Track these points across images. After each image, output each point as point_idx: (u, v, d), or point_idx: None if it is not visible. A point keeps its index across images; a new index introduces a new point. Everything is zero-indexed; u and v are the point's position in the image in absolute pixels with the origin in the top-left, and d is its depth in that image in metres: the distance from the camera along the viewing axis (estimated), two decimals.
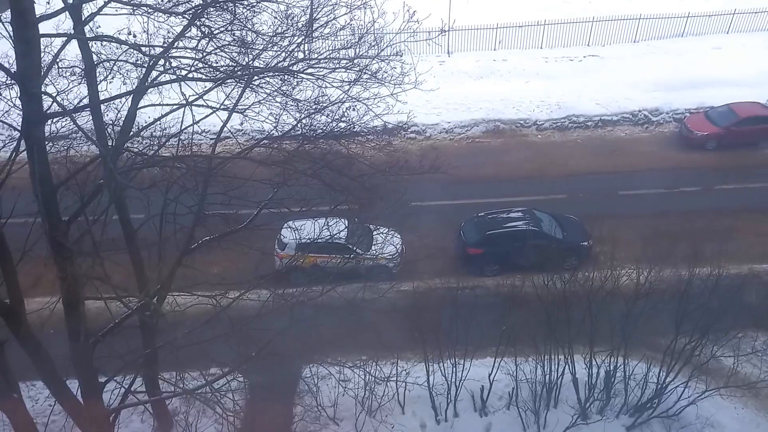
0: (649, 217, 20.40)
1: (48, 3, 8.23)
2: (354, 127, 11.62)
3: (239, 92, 10.57)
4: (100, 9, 8.51)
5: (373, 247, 18.35)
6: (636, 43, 29.27)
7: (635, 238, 18.27)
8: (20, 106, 8.53)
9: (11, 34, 7.93)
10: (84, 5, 8.52)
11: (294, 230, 16.56)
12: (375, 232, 18.85)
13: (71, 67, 9.64)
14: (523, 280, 15.03)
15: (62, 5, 8.25)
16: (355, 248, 17.76)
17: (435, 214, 20.01)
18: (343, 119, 11.39)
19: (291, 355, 13.28)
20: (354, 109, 11.33)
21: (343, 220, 16.24)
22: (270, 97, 10.36)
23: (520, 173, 22.68)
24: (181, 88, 9.60)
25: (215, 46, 9.31)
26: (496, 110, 25.59)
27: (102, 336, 11.43)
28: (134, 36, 9.00)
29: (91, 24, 8.88)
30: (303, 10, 9.78)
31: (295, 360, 14.22)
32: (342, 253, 16.89)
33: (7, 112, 9.91)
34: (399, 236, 18.96)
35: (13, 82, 8.65)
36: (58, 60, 9.03)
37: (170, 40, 9.19)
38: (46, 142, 9.19)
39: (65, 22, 8.51)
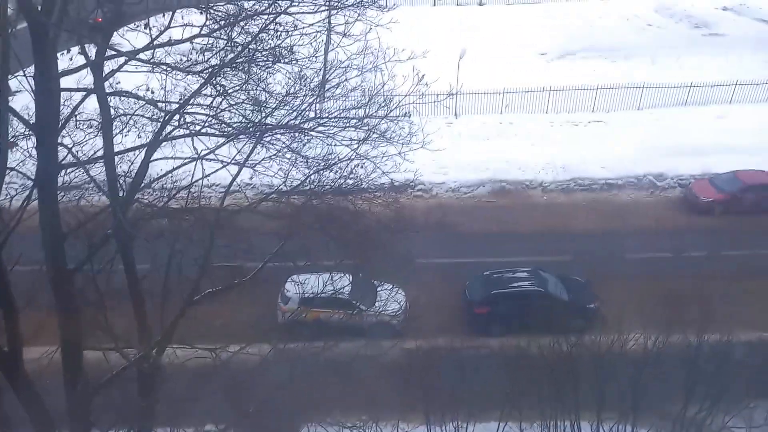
0: (656, 280, 20.21)
1: (71, 59, 8.59)
2: (361, 184, 11.81)
3: (250, 148, 10.83)
4: (121, 66, 8.87)
5: (376, 304, 18.22)
6: (640, 110, 29.89)
7: (643, 302, 18.07)
8: (35, 156, 8.74)
9: (33, 86, 8.24)
10: (105, 62, 8.88)
11: (298, 284, 16.52)
12: (379, 288, 18.76)
13: (88, 120, 9.95)
14: (528, 341, 14.81)
15: (84, 61, 8.60)
16: (358, 304, 17.64)
17: (440, 271, 19.94)
18: (351, 176, 11.60)
19: (289, 412, 12.99)
20: (362, 167, 11.56)
21: (347, 275, 16.22)
22: (280, 154, 10.61)
23: (526, 233, 22.71)
24: (193, 143, 9.85)
25: (229, 104, 9.61)
26: (502, 171, 25.91)
27: (99, 387, 11.26)
28: (152, 92, 9.34)
29: (110, 80, 9.23)
30: (316, 72, 10.15)
31: (293, 418, 13.89)
32: (345, 309, 16.79)
33: (22, 162, 10.15)
34: (403, 293, 18.85)
35: (30, 132, 8.91)
36: (76, 113, 9.33)
37: (186, 97, 9.50)
38: (59, 192, 9.36)
39: (86, 77, 8.85)
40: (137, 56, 8.44)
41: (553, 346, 13.88)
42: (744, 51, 34.62)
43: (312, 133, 10.26)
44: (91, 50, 8.72)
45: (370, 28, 9.66)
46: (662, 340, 13.73)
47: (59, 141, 8.75)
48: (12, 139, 9.22)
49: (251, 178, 11.86)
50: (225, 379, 12.20)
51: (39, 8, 7.64)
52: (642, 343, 14.14)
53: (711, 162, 25.94)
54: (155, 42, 8.70)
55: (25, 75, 8.43)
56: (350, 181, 11.66)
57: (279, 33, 9.02)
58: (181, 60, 9.04)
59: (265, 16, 8.96)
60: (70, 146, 9.51)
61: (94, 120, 9.80)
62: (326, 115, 10.37)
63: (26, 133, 9.27)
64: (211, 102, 9.66)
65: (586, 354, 13.71)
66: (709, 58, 33.87)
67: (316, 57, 9.85)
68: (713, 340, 13.93)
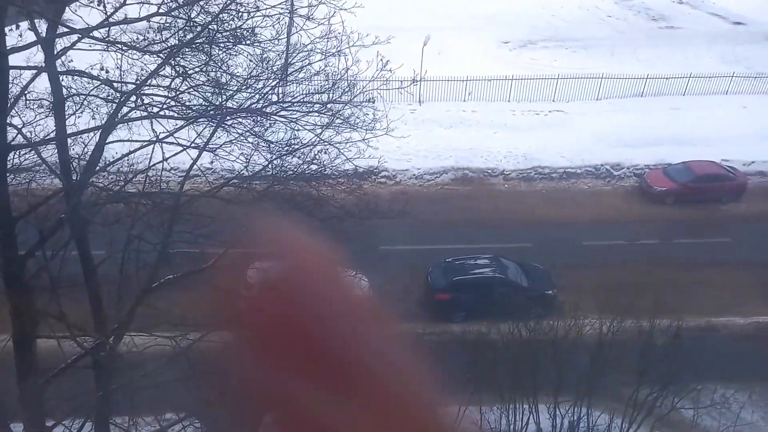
0: (611, 267, 20.81)
1: (20, 36, 8.19)
2: (325, 170, 11.71)
3: (211, 131, 10.59)
4: (74, 44, 8.51)
5: None
6: (599, 100, 30.52)
7: (598, 288, 18.60)
8: None
9: None
10: (57, 39, 8.51)
11: (261, 271, 16.35)
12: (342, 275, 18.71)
13: (39, 99, 9.54)
14: (489, 327, 15.07)
15: (35, 38, 8.23)
16: None
17: (403, 258, 20.03)
18: (314, 162, 11.48)
19: (252, 401, 12.89)
20: (326, 152, 11.45)
21: None
22: (242, 138, 10.41)
23: (488, 221, 23.02)
24: (152, 125, 9.56)
25: (189, 86, 9.36)
26: (465, 159, 26.13)
27: (53, 376, 10.93)
28: (107, 72, 9.00)
29: (63, 58, 8.85)
30: (278, 55, 9.97)
31: (256, 406, 13.79)
32: None
33: None
34: (366, 280, 18.83)
35: None
36: (26, 92, 8.93)
37: (143, 78, 9.20)
38: (8, 174, 8.97)
39: (36, 55, 8.47)
40: (91, 34, 8.11)
41: (512, 331, 14.17)
42: (699, 44, 35.66)
43: (274, 117, 10.09)
44: (42, 26, 8.34)
45: (334, 12, 9.54)
46: (616, 325, 14.17)
47: (8, 121, 8.36)
48: None
49: (212, 163, 11.62)
50: (185, 367, 11.99)
51: None
52: (597, 329, 14.58)
53: (665, 152, 26.73)
54: (110, 19, 8.37)
55: None
56: (313, 167, 11.55)
57: (240, 14, 8.80)
58: (137, 39, 8.74)
59: None
60: (20, 126, 9.11)
61: (45, 100, 9.41)
62: (289, 99, 10.22)
63: None
64: (170, 83, 9.38)
65: (544, 339, 14.05)
66: (666, 51, 34.77)
67: (279, 40, 9.66)
68: (664, 325, 14.46)
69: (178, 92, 9.28)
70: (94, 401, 11.79)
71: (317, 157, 11.39)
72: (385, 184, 24.77)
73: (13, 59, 7.91)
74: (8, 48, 7.62)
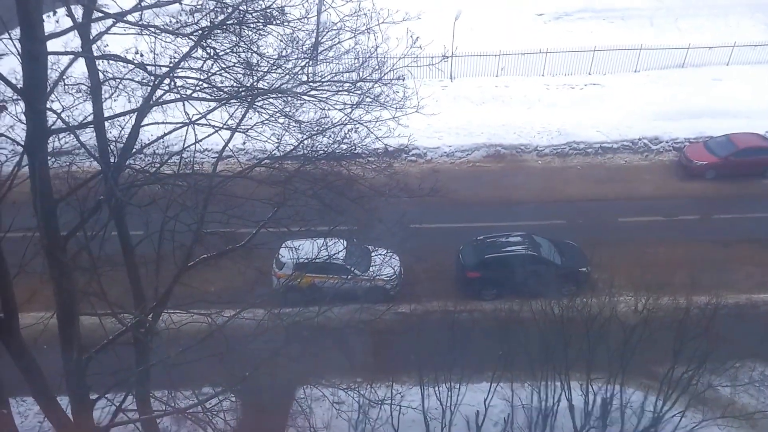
0: (647, 244, 20.42)
1: (57, 22, 8.35)
2: (355, 149, 11.71)
3: (242, 113, 10.67)
4: (108, 29, 8.64)
5: (371, 269, 18.33)
6: (637, 72, 29.60)
7: (634, 265, 18.28)
8: (25, 122, 8.60)
9: (19, 50, 8.04)
10: (93, 24, 8.65)
11: (292, 250, 16.56)
12: (373, 254, 18.84)
13: (77, 84, 9.75)
14: (521, 304, 15.01)
15: (71, 24, 8.38)
16: (353, 269, 17.74)
17: (434, 236, 20.03)
18: (344, 141, 11.49)
19: (285, 376, 13.19)
20: (356, 131, 11.43)
21: (341, 240, 16.25)
22: (273, 118, 10.46)
23: (520, 198, 22.76)
24: (185, 107, 9.69)
25: (220, 67, 9.42)
26: (498, 135, 25.76)
27: (95, 352, 11.36)
28: (141, 55, 9.12)
29: (98, 43, 9.00)
30: (308, 34, 9.93)
31: (288, 381, 14.11)
32: (340, 274, 16.88)
33: (11, 127, 9.99)
34: (397, 258, 18.96)
35: (19, 97, 8.73)
36: (64, 77, 9.13)
37: (176, 60, 9.30)
38: (49, 158, 9.24)
39: (74, 41, 8.64)
40: (125, 18, 8.21)
41: (544, 309, 14.07)
42: (742, 12, 34.13)
43: (305, 97, 10.10)
44: (78, 12, 8.48)
45: None
46: (652, 302, 13.94)
47: (48, 106, 8.58)
48: (1, 103, 9.05)
49: (244, 144, 11.73)
50: (221, 343, 12.31)
51: None
52: (632, 306, 14.36)
53: (706, 125, 25.87)
54: (143, 3, 8.45)
55: (10, 37, 8.20)
56: (344, 147, 11.56)
57: None
58: (170, 22, 8.81)
59: None
60: (59, 111, 9.34)
61: (83, 84, 9.60)
62: (319, 78, 10.19)
63: (14, 97, 9.09)
64: (202, 65, 9.47)
65: (577, 317, 13.92)
66: (707, 20, 33.41)
67: (308, 19, 9.61)
68: (702, 302, 14.15)
69: (210, 74, 9.36)
70: (134, 376, 12.24)
71: (347, 136, 11.39)
72: (415, 162, 24.66)
73: (51, 45, 8.08)
74: (46, 34, 7.79)
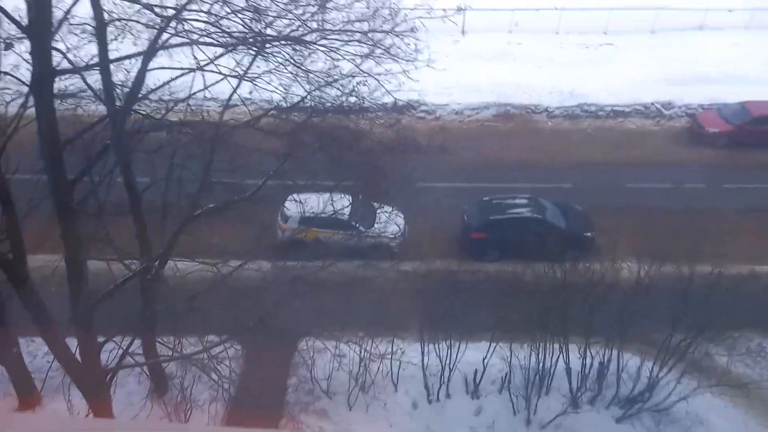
0: (653, 211, 20.28)
1: None
2: (363, 103, 11.52)
3: (250, 60, 10.46)
4: None
5: (375, 226, 18.34)
6: (654, 33, 28.80)
7: (638, 232, 18.22)
8: (30, 61, 8.45)
9: None
10: None
11: (298, 203, 16.56)
12: (378, 211, 18.82)
13: (82, 24, 9.53)
14: (524, 267, 15.04)
15: None
16: (357, 225, 17.76)
17: (440, 196, 19.94)
18: (353, 93, 11.29)
19: (288, 327, 13.38)
20: (365, 84, 11.22)
21: (347, 196, 16.21)
22: (281, 67, 10.26)
23: (528, 160, 22.52)
24: (192, 52, 9.49)
25: (229, 11, 9.18)
26: (508, 94, 25.31)
27: (103, 297, 11.51)
28: None
29: None
30: None
31: (292, 332, 14.33)
32: (344, 230, 16.92)
33: (16, 66, 9.84)
34: (402, 216, 18.94)
35: (23, 36, 8.56)
36: (69, 16, 8.92)
37: (184, 2, 9.06)
38: (55, 99, 9.12)
39: None
40: None
41: (547, 272, 14.11)
42: None
43: (314, 45, 9.87)
44: None
45: None
46: (654, 270, 13.94)
47: (53, 46, 8.41)
48: (7, 40, 8.88)
49: (251, 93, 11.54)
50: (226, 292, 12.45)
51: None
52: (634, 273, 14.39)
53: (721, 92, 25.28)
54: None
55: None
56: (352, 99, 11.37)
57: None
58: None
59: None
60: (64, 51, 9.17)
61: (87, 24, 9.39)
62: (329, 27, 9.94)
63: (19, 36, 8.92)
64: (210, 8, 9.23)
65: (579, 281, 13.96)
66: None
67: None
68: (704, 271, 14.15)
69: (218, 18, 9.13)
70: (140, 321, 12.44)
71: (356, 88, 11.19)
72: (424, 119, 24.33)
73: None
74: None
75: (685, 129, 24.67)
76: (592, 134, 24.39)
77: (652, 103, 25.30)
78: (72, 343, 11.98)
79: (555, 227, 18.57)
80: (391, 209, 18.64)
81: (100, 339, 12.04)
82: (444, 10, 11.10)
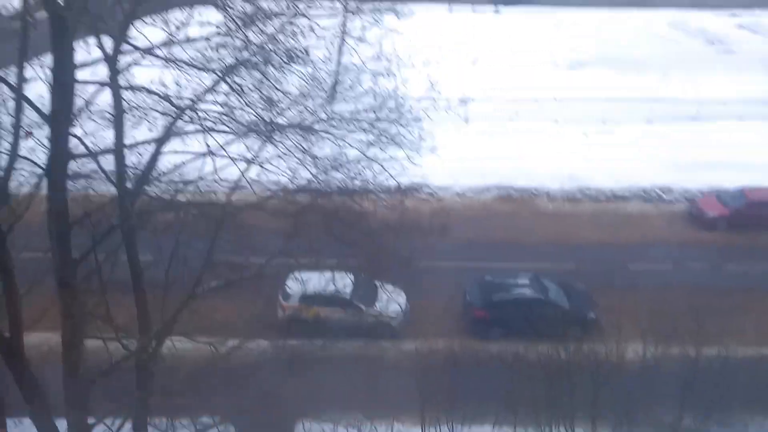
0: (657, 291, 20.12)
1: (89, 53, 8.64)
2: (368, 185, 11.83)
3: (260, 145, 10.86)
4: (137, 61, 8.91)
5: (377, 304, 18.26)
6: (650, 123, 29.78)
7: (642, 312, 18.07)
8: (46, 145, 8.79)
9: (46, 75, 8.29)
10: (121, 56, 8.91)
11: (299, 281, 16.58)
12: (380, 289, 18.80)
13: (101, 111, 9.99)
14: (526, 347, 14.82)
15: (101, 54, 8.65)
16: (359, 303, 17.69)
17: (442, 275, 19.94)
18: (358, 176, 11.62)
19: (286, 408, 13.06)
20: (370, 168, 11.58)
21: (349, 274, 16.25)
22: (289, 152, 10.64)
23: (530, 240, 22.69)
24: (205, 138, 9.88)
25: (243, 102, 9.64)
26: (509, 177, 25.88)
27: (98, 376, 11.33)
28: (165, 86, 9.37)
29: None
30: (329, 74, 10.17)
31: (289, 414, 13.96)
32: (346, 308, 16.83)
33: (33, 150, 10.20)
34: (404, 295, 18.89)
35: (44, 121, 8.96)
36: (89, 104, 9.36)
37: (199, 93, 9.54)
38: (67, 181, 9.41)
39: (101, 69, 8.90)
40: (153, 52, 8.47)
41: (551, 353, 13.90)
42: (758, 70, 34.43)
43: (322, 134, 10.29)
44: (108, 43, 8.77)
45: (386, 34, 9.69)
46: (660, 351, 13.74)
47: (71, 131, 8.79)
48: (28, 129, 9.27)
49: (259, 175, 11.90)
50: (223, 372, 12.25)
51: (60, 1, 7.68)
52: (639, 354, 14.16)
53: (719, 178, 25.83)
54: (172, 38, 8.73)
55: (41, 65, 8.49)
56: (357, 182, 11.69)
57: (295, 34, 9.05)
58: (196, 56, 9.08)
59: (283, 18, 9.00)
60: (81, 136, 9.55)
61: (106, 111, 9.84)
62: (338, 116, 10.40)
63: (39, 121, 9.32)
64: (225, 99, 9.70)
65: (583, 362, 13.73)
66: (723, 75, 33.67)
67: (330, 60, 9.87)
68: (711, 353, 13.94)
69: (231, 108, 9.58)
70: (134, 402, 12.15)
71: (361, 172, 11.53)
72: (426, 201, 24.69)
73: (79, 73, 8.33)
74: (77, 64, 8.05)
75: (684, 213, 25.00)
76: (593, 216, 24.69)
77: (652, 188, 25.81)
78: (62, 424, 11.67)
79: (558, 307, 18.45)
80: (392, 288, 18.61)
81: (91, 420, 11.72)
82: (448, 100, 11.64)
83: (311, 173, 11.30)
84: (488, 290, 19.09)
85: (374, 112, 10.48)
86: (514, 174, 25.99)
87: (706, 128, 29.21)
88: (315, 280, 15.85)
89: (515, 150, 27.45)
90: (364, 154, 10.94)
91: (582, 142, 28.48)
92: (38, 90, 9.32)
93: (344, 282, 15.80)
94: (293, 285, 17.52)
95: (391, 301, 18.15)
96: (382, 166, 11.11)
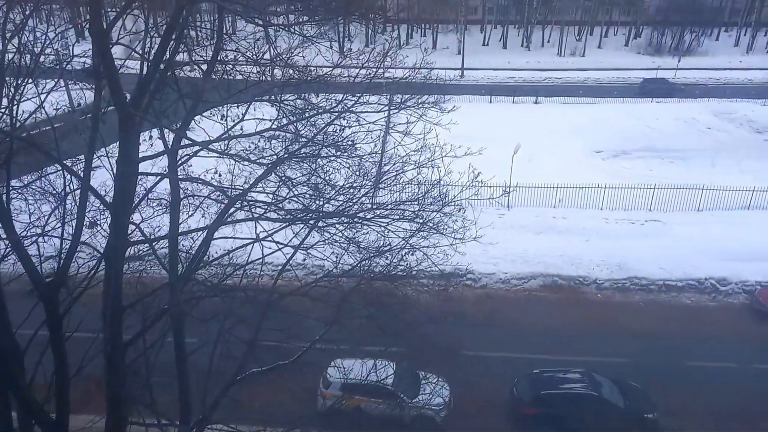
0: (720, 392, 18.85)
1: (152, 145, 9.28)
2: (411, 272, 11.83)
3: (306, 232, 11.13)
4: (195, 153, 9.48)
5: (420, 396, 17.65)
6: (700, 212, 29.19)
7: (706, 414, 16.82)
8: (107, 232, 9.26)
9: (112, 166, 8.88)
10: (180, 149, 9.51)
11: (340, 369, 16.29)
12: (423, 380, 18.23)
13: (158, 199, 10.54)
14: None
15: (162, 148, 9.26)
16: (401, 395, 17.14)
17: (487, 365, 19.26)
18: (401, 263, 11.67)
19: None
20: (413, 254, 11.63)
21: (391, 363, 15.88)
22: (334, 239, 10.85)
23: (579, 331, 21.86)
24: (255, 227, 10.21)
25: (292, 193, 10.01)
26: (555, 265, 25.44)
27: None
28: (220, 175, 9.86)
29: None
30: (374, 164, 10.52)
31: None
32: (387, 399, 16.32)
33: (92, 235, 10.74)
34: (448, 387, 18.24)
35: (105, 209, 9.50)
36: (149, 194, 9.91)
37: (251, 184, 9.99)
38: (124, 266, 9.80)
39: (162, 160, 9.49)
40: (210, 146, 9.03)
41: None
42: None
43: (366, 222, 10.49)
44: (169, 136, 9.41)
45: (430, 129, 10.06)
46: None
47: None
48: (93, 219, 9.83)
49: (304, 260, 12.10)
50: None
51: (128, 99, 8.36)
52: None
53: None
54: (228, 132, 9.30)
55: (107, 155, 9.12)
56: (401, 269, 11.72)
57: (343, 128, 9.50)
58: (249, 147, 9.59)
59: (332, 113, 9.50)
60: (138, 222, 10.04)
61: (164, 199, 10.36)
62: (382, 206, 10.63)
63: (101, 209, 9.89)
64: (275, 190, 10.10)
65: None
66: None
67: (376, 151, 10.25)
68: None
69: (280, 198, 9.96)
70: None
71: (404, 259, 11.58)
72: (470, 287, 24.43)
73: (141, 164, 8.92)
74: (140, 156, 8.65)
75: (744, 306, 23.77)
76: (645, 308, 23.74)
77: (706, 279, 24.80)
78: None
79: (613, 406, 17.38)
80: (436, 379, 18.03)
81: None
82: (491, 188, 11.73)
83: (355, 259, 11.42)
84: (537, 385, 18.23)
85: (417, 201, 10.69)
86: (560, 262, 25.55)
87: (759, 217, 28.37)
88: (356, 369, 15.53)
89: (560, 237, 27.16)
90: (408, 242, 11.04)
91: (629, 229, 27.97)
92: (100, 177, 9.98)
93: (386, 371, 15.42)
94: (334, 373, 17.21)
95: (435, 393, 17.52)
96: (425, 254, 11.15)
